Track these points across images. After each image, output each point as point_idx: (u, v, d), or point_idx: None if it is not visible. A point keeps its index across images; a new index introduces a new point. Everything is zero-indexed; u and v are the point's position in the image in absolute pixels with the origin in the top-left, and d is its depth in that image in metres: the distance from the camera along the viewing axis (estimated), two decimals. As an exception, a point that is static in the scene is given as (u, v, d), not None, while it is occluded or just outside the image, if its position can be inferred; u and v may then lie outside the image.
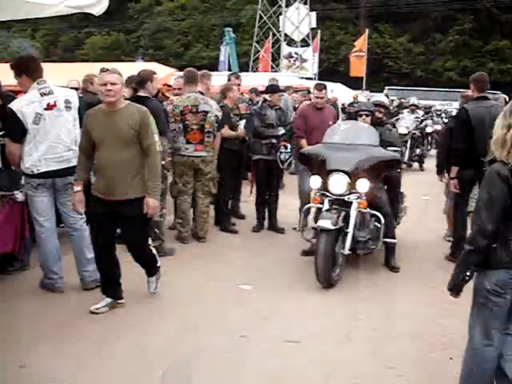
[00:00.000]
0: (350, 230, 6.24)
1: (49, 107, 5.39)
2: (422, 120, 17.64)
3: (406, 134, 15.15)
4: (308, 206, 6.91)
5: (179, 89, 8.25)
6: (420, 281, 6.64)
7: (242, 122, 8.49)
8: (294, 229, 8.06)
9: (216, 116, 7.66)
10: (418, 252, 7.82)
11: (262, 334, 5.02)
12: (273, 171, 8.41)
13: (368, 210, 6.50)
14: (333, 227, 6.03)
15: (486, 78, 7.31)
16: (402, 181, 7.77)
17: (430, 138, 19.02)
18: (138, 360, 4.46)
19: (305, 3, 39.69)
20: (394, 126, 9.83)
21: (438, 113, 22.26)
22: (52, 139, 5.40)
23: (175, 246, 7.42)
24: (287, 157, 8.31)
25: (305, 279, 6.44)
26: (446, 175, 7.43)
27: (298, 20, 38.84)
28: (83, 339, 4.78)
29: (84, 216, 5.76)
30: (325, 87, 8.25)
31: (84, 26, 57.84)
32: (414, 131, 16.12)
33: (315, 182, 6.61)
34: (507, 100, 9.68)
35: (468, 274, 3.64)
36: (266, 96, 8.58)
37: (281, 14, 39.45)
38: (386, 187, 7.18)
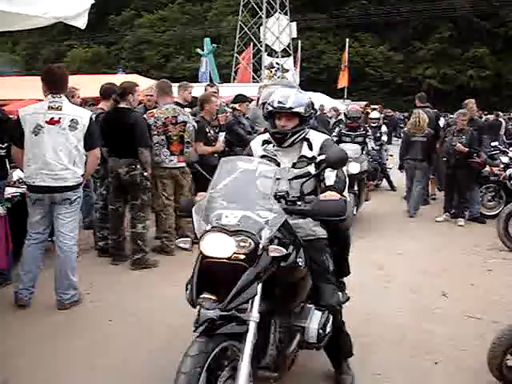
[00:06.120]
0: None
1: (51, 122, 5.33)
2: (379, 137, 12.33)
3: (357, 175, 9.36)
4: None
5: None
6: (404, 287, 6.69)
7: (222, 135, 8.30)
8: None
9: (193, 125, 7.66)
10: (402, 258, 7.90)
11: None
12: None
13: None
14: None
15: (424, 96, 11.92)
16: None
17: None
18: (120, 373, 4.43)
19: (285, 14, 39.94)
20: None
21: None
22: (50, 155, 5.33)
23: (158, 257, 7.40)
24: None
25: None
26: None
27: (278, 30, 39.03)
28: (63, 354, 4.74)
29: (76, 237, 5.72)
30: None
31: (65, 39, 57.78)
32: (373, 165, 11.14)
33: None
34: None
35: None
36: (236, 105, 8.59)
37: (261, 24, 39.61)
38: None
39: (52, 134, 5.34)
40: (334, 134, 10.22)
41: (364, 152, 10.00)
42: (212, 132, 8.08)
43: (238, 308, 3.07)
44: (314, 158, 3.98)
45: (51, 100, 5.40)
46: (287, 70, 38.11)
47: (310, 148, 4.01)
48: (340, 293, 4.44)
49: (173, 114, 7.52)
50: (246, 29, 41.16)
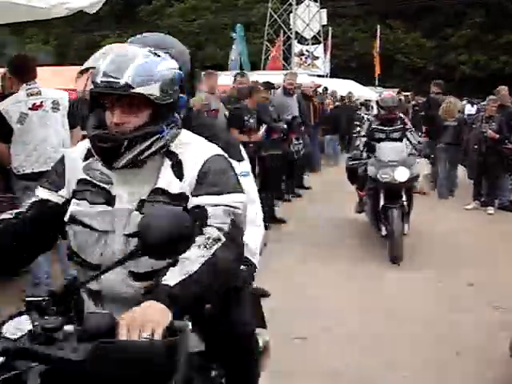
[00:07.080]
0: None
1: (34, 107, 5.31)
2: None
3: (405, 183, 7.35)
4: None
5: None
6: (427, 277, 6.62)
7: (265, 127, 8.13)
8: None
9: (225, 114, 7.67)
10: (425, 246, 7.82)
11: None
12: (283, 166, 8.94)
13: None
14: None
15: (442, 83, 12.84)
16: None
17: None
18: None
19: (315, 1, 39.62)
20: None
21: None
22: (39, 140, 5.32)
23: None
24: (300, 147, 9.47)
25: (305, 272, 6.52)
26: None
27: (308, 17, 38.78)
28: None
29: None
30: None
31: (96, 29, 58.12)
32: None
33: None
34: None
35: None
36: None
37: (291, 11, 39.38)
38: None
39: (38, 119, 5.32)
40: (363, 132, 8.05)
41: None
42: (252, 121, 7.95)
43: None
44: (182, 195, 1.94)
45: (28, 88, 5.35)
46: (317, 58, 37.84)
47: (178, 173, 1.97)
48: None
49: (205, 102, 7.53)
50: (275, 16, 40.95)
